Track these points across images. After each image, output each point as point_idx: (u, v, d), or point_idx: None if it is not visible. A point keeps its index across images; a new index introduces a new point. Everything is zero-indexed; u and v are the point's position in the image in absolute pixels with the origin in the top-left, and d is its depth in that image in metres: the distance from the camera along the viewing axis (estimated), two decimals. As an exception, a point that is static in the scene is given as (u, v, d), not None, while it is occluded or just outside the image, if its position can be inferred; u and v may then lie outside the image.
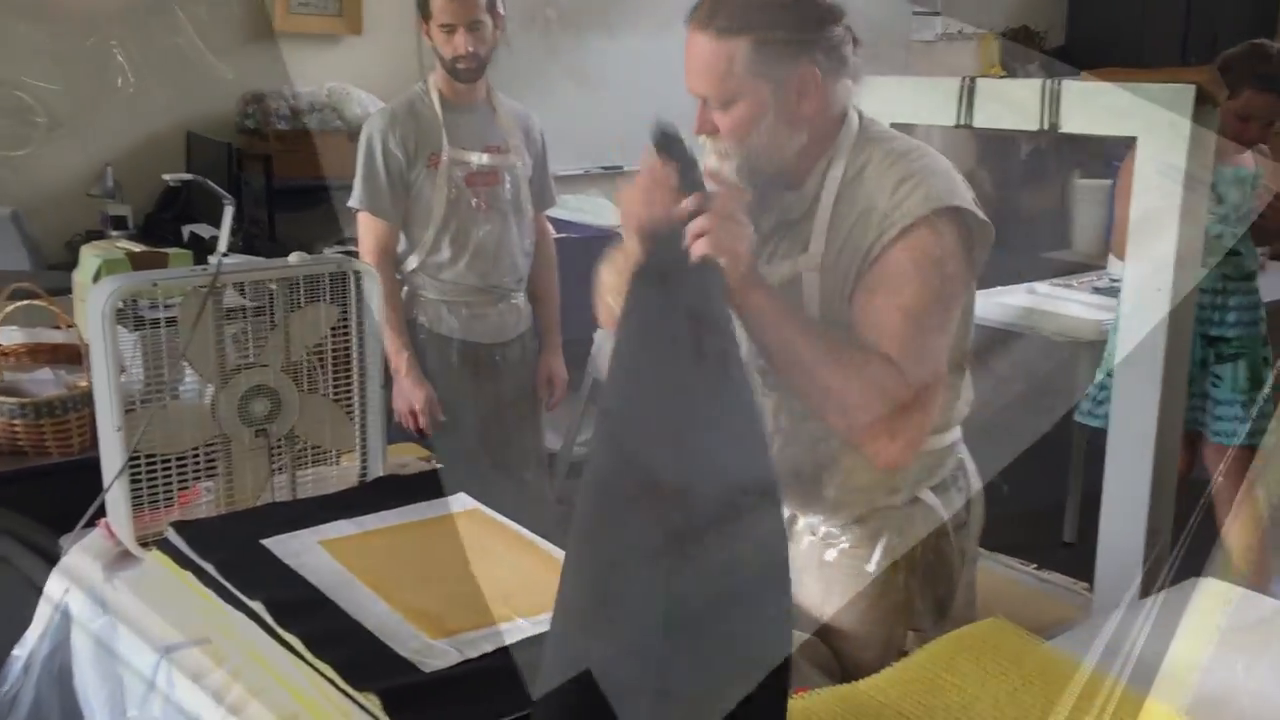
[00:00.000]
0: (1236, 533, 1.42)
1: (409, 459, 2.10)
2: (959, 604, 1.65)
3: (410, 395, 2.80)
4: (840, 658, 1.58)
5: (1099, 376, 3.28)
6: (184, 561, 1.62)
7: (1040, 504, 3.93)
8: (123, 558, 1.69)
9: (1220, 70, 2.92)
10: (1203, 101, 2.00)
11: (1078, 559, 2.78)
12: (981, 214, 1.48)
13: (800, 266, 1.50)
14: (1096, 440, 2.77)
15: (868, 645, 1.59)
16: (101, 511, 1.71)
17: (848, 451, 1.54)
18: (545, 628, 1.42)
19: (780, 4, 1.43)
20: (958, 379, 1.59)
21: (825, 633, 1.61)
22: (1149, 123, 2.04)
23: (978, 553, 1.72)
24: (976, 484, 1.69)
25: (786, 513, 1.63)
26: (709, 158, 1.55)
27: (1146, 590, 2.17)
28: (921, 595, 1.61)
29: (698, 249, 1.30)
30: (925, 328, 1.42)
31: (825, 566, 1.61)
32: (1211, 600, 0.82)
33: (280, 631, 1.43)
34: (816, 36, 1.44)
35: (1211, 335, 3.10)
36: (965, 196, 1.47)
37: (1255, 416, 3.06)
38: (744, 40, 1.41)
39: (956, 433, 1.64)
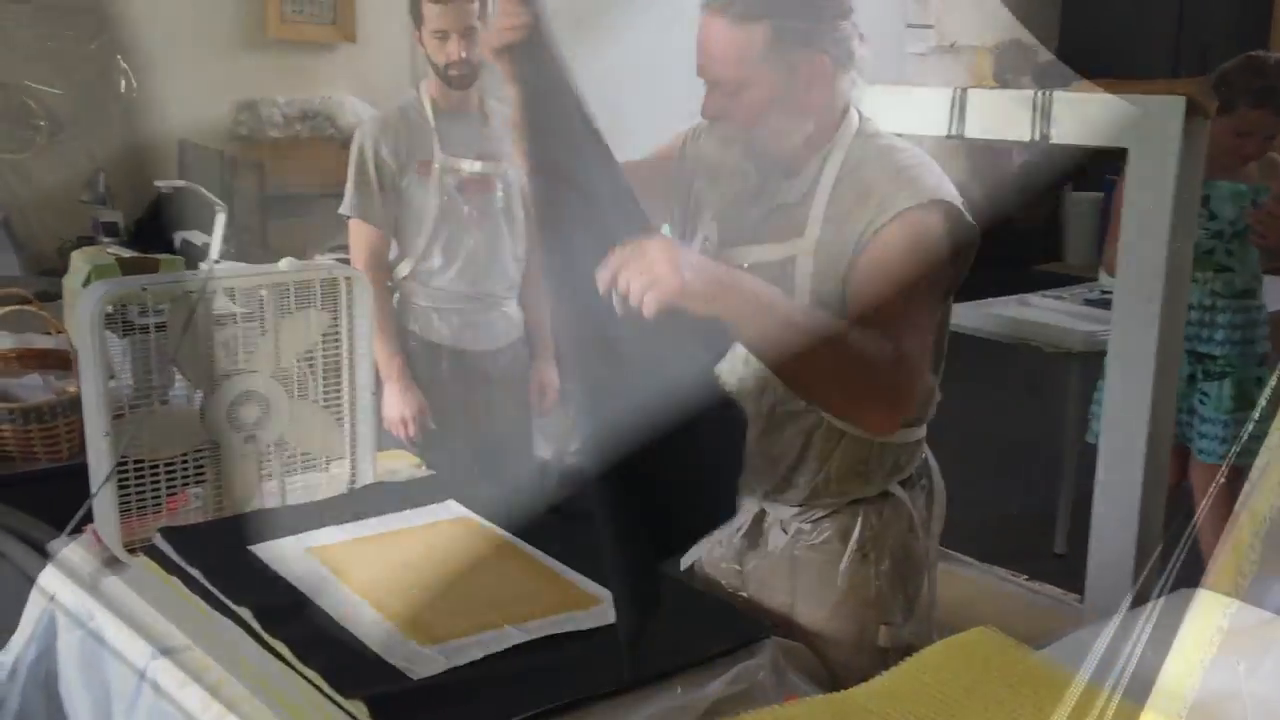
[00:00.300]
0: (1217, 551, 1.43)
1: (400, 465, 2.10)
2: (924, 602, 1.68)
3: (400, 403, 2.80)
4: (818, 656, 1.59)
5: (1100, 395, 3.22)
6: (171, 567, 1.61)
7: (1031, 514, 3.93)
8: (110, 563, 1.69)
9: (1217, 85, 2.90)
10: (1194, 113, 2.00)
11: (1069, 570, 2.78)
12: (969, 216, 1.51)
13: (794, 249, 1.53)
14: (1087, 451, 2.78)
15: (842, 640, 1.61)
16: (89, 517, 1.70)
17: (825, 439, 1.57)
18: (534, 635, 1.43)
19: None
20: (930, 379, 1.61)
21: (801, 631, 1.62)
22: (1139, 134, 2.04)
23: (939, 553, 1.74)
24: (940, 483, 1.72)
25: (756, 508, 1.65)
26: (713, 142, 1.60)
27: (1137, 601, 2.17)
28: (891, 589, 1.63)
29: (649, 308, 1.28)
30: (915, 300, 1.45)
31: (797, 563, 1.63)
32: (1208, 611, 0.82)
33: (267, 638, 1.43)
34: (830, 28, 1.48)
35: (1199, 352, 3.08)
36: (955, 195, 1.51)
37: (1239, 437, 3.03)
38: (761, 26, 1.44)
39: (923, 430, 1.67)
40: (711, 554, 1.71)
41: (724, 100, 1.49)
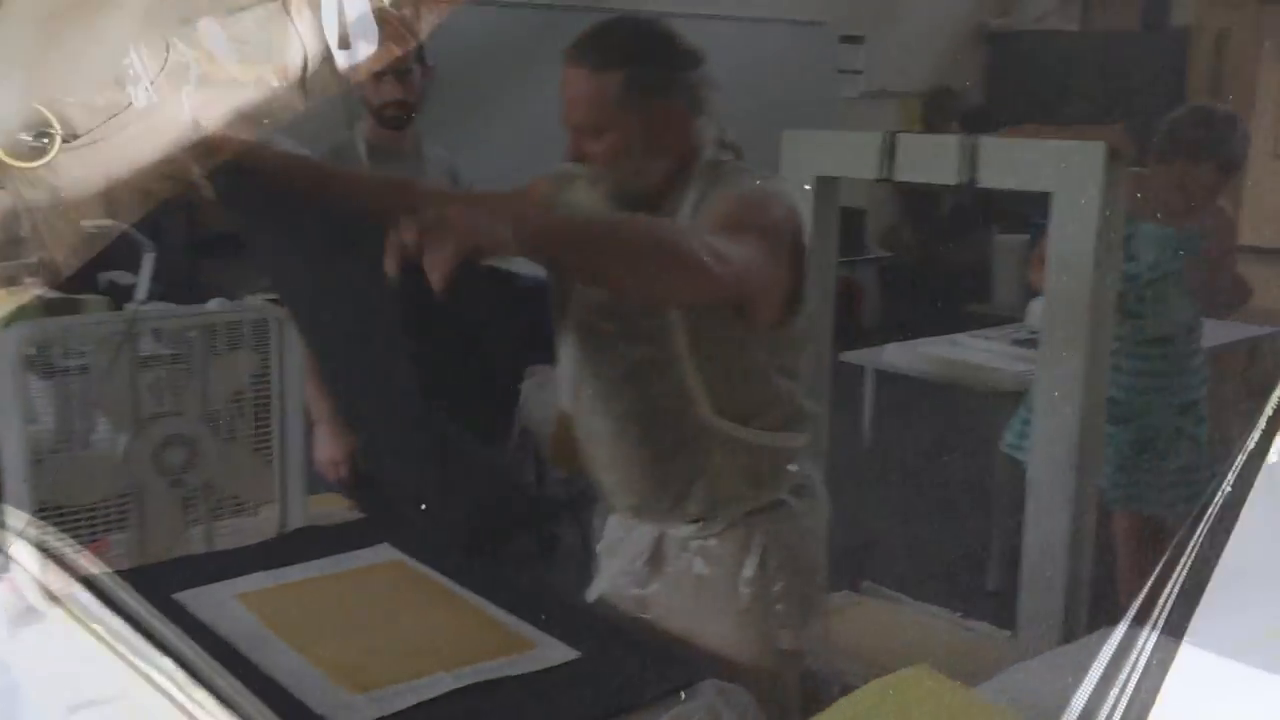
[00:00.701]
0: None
1: (333, 509, 2.06)
2: (821, 603, 1.74)
3: (332, 445, 2.76)
4: (726, 666, 1.59)
5: (1022, 412, 3.22)
6: (93, 617, 1.57)
7: (963, 553, 3.97)
8: (27, 614, 1.63)
9: (1162, 135, 2.86)
10: (1114, 158, 2.07)
11: (1002, 607, 2.81)
12: (805, 225, 1.62)
13: None
14: (1017, 490, 2.81)
15: (749, 648, 1.65)
16: (5, 566, 1.65)
17: (715, 454, 1.62)
18: (466, 681, 1.41)
19: (650, 45, 1.59)
20: (793, 383, 1.67)
21: (708, 645, 1.65)
22: (1062, 178, 2.10)
23: (825, 564, 1.80)
24: (824, 495, 1.78)
25: (655, 533, 1.70)
26: (579, 184, 1.70)
27: (1068, 637, 2.20)
28: (791, 593, 1.68)
29: (446, 256, 1.15)
30: (743, 220, 1.50)
31: (699, 579, 1.67)
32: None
33: (191, 689, 1.39)
34: (682, 75, 1.59)
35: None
36: (797, 202, 1.63)
37: (1144, 485, 3.00)
38: (615, 75, 1.54)
39: (806, 438, 1.72)
40: (615, 584, 1.75)
41: (586, 144, 1.57)
